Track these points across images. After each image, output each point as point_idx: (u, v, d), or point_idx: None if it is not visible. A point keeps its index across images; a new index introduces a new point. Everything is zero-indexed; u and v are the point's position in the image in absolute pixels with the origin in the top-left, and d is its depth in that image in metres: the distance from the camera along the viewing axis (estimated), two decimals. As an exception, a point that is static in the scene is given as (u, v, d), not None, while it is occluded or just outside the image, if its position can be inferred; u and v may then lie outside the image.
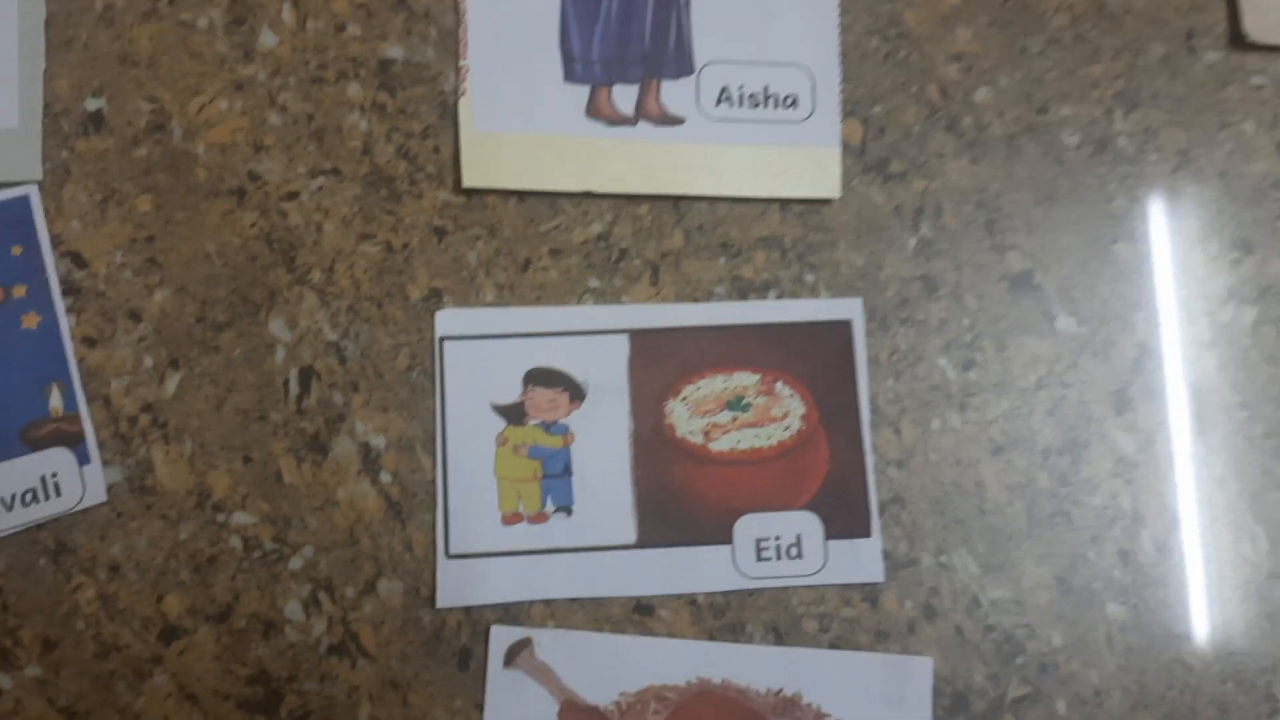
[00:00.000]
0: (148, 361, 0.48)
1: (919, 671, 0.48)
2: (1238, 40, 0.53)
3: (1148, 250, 0.52)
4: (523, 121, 0.50)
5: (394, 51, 0.50)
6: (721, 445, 0.49)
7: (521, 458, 0.48)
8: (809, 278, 0.51)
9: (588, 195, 0.50)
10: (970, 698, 0.48)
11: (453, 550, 0.47)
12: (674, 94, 0.51)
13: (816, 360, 0.50)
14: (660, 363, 0.50)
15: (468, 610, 0.47)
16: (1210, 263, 0.52)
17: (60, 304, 0.47)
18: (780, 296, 0.50)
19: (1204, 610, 0.50)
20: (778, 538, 0.48)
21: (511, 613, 0.47)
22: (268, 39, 0.50)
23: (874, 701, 0.47)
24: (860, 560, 0.49)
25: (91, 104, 0.49)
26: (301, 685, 0.46)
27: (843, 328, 0.50)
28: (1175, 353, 0.51)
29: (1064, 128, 0.52)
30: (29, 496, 0.46)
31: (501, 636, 0.47)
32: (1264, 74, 0.53)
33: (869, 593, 0.49)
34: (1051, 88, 0.53)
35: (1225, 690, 0.49)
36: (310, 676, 0.46)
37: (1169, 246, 0.52)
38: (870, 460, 0.49)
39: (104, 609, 0.46)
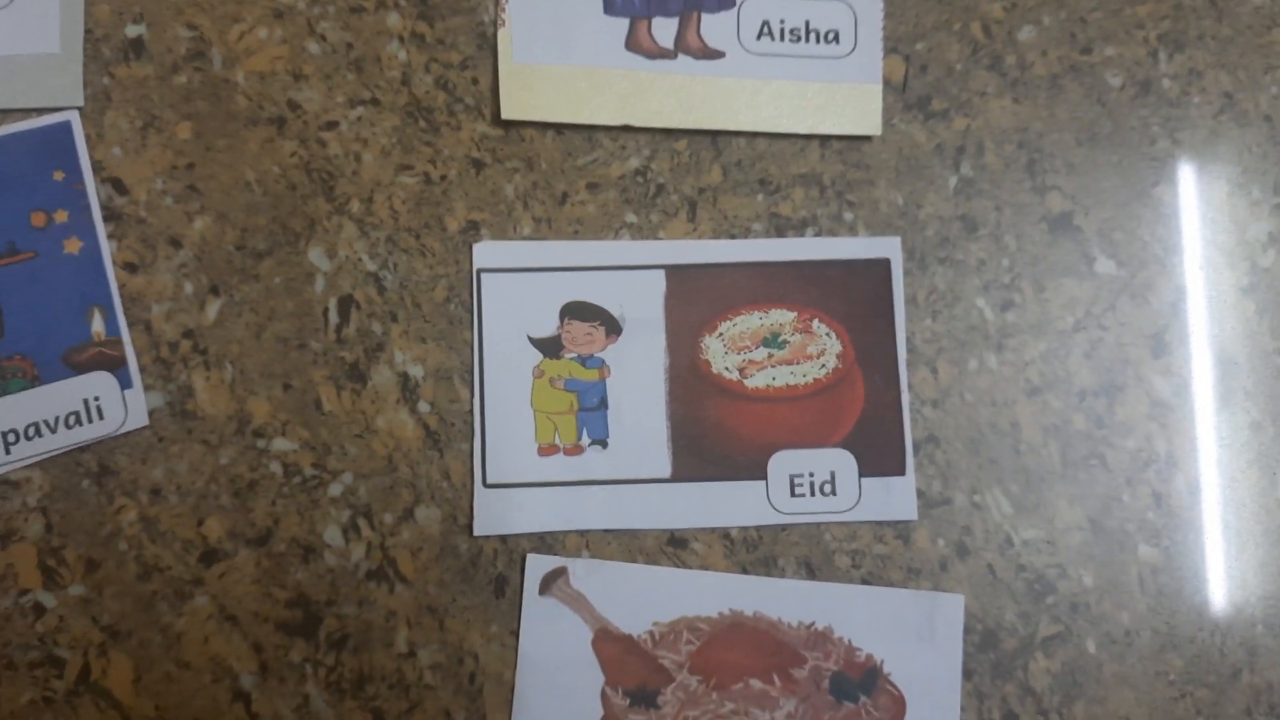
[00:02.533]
0: (188, 288, 0.48)
1: (950, 608, 0.48)
2: (1288, -19, 0.52)
3: (1189, 194, 0.51)
4: (562, 54, 0.50)
5: (434, -19, 0.50)
6: (757, 382, 0.49)
7: (558, 390, 0.49)
8: (848, 216, 0.50)
9: (626, 129, 0.50)
10: (1001, 635, 0.48)
11: (490, 480, 0.48)
12: (714, 27, 0.50)
13: (854, 299, 0.50)
14: (696, 299, 0.50)
15: (504, 539, 0.48)
16: (1252, 207, 0.52)
17: (102, 229, 0.48)
18: (818, 234, 0.50)
19: (1235, 553, 0.50)
20: (812, 474, 0.49)
21: (546, 542, 0.48)
22: (307, -33, 0.50)
23: (905, 636, 0.48)
24: (893, 498, 0.49)
25: (132, 30, 0.49)
26: (340, 609, 0.47)
27: (881, 266, 0.50)
28: (1214, 297, 0.51)
29: (1107, 68, 0.52)
30: (72, 419, 0.46)
31: (537, 565, 0.47)
32: (1313, 16, 0.53)
33: (902, 530, 0.49)
34: (1095, 28, 0.52)
35: (1255, 633, 0.49)
36: (348, 601, 0.47)
37: (1211, 190, 0.52)
38: (906, 399, 0.49)
39: (146, 531, 0.47)
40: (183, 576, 0.47)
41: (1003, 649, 0.48)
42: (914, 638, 0.48)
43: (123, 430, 0.47)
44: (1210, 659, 0.49)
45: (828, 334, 0.50)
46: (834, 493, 0.49)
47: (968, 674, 0.48)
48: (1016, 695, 0.48)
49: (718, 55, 0.50)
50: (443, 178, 0.49)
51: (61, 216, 0.48)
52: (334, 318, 0.48)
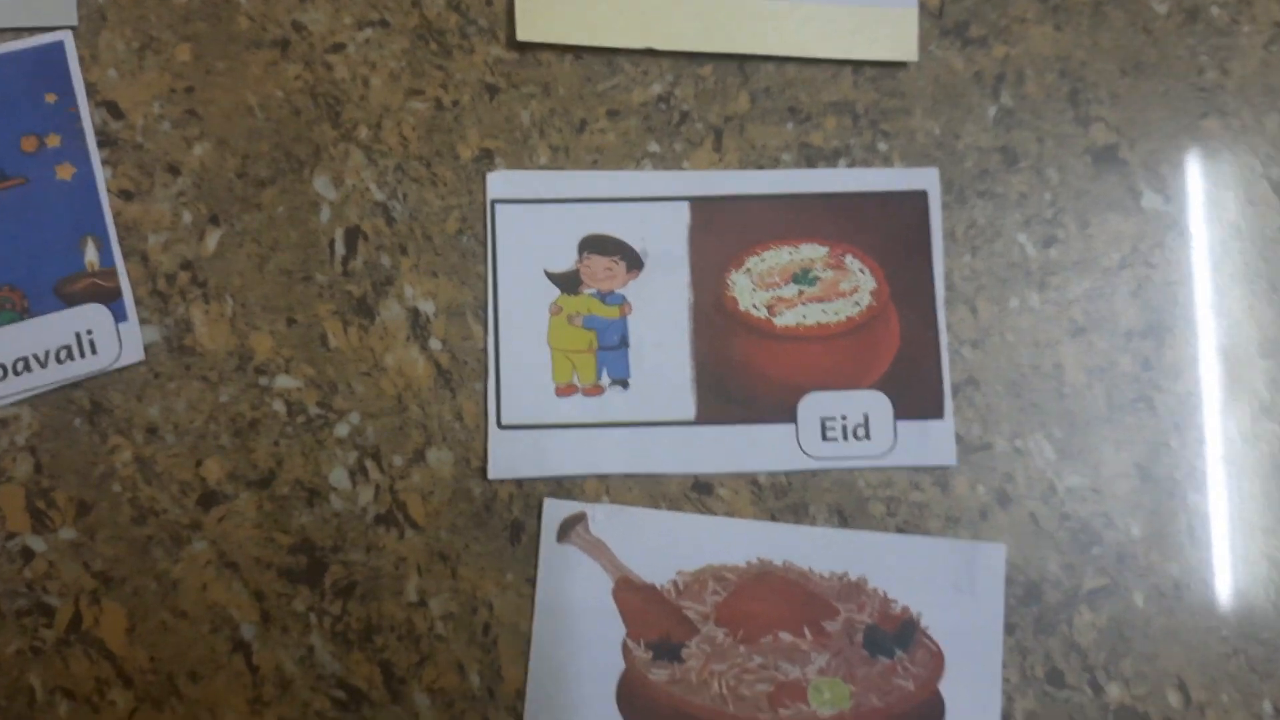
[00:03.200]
0: (187, 217, 0.45)
1: (991, 558, 0.45)
2: (1344, -97, 0.50)
3: (1240, 126, 0.49)
4: (581, -25, 0.47)
5: (446, -103, 0.48)
6: (786, 320, 0.47)
7: (576, 327, 0.46)
8: (882, 146, 0.48)
9: (648, 53, 0.47)
10: (1044, 587, 0.46)
11: (505, 421, 0.45)
12: (742, -53, 0.48)
13: (889, 233, 0.47)
14: (722, 232, 0.47)
15: (519, 483, 0.45)
16: (1307, 141, 0.49)
17: (96, 155, 0.45)
18: (851, 165, 0.48)
19: (1291, 504, 0.47)
20: (844, 417, 0.46)
21: (564, 486, 0.45)
22: (313, -118, 0.47)
23: (944, 588, 0.45)
24: (931, 442, 0.46)
25: (127, -53, 0.46)
26: (346, 555, 0.44)
27: (917, 199, 0.47)
28: (1267, 235, 0.49)
29: (1155, -6, 0.49)
30: (63, 353, 0.44)
31: (555, 510, 0.45)
32: (1370, -58, 0.50)
33: (939, 476, 0.46)
34: (1143, -48, 0.49)
35: (1311, 587, 0.47)
36: (356, 546, 0.44)
37: (1262, 123, 0.49)
38: (944, 339, 0.47)
39: (141, 472, 0.44)
40: (180, 520, 0.44)
41: (1046, 602, 0.46)
42: (953, 589, 0.45)
43: (117, 365, 0.44)
44: (1264, 614, 0.46)
45: (861, 270, 0.47)
46: (868, 437, 0.46)
47: (1009, 628, 0.46)
48: (1061, 651, 0.46)
49: (745, -23, 0.48)
50: (455, 103, 0.47)
51: (54, 141, 0.45)
52: (340, 249, 0.46)
